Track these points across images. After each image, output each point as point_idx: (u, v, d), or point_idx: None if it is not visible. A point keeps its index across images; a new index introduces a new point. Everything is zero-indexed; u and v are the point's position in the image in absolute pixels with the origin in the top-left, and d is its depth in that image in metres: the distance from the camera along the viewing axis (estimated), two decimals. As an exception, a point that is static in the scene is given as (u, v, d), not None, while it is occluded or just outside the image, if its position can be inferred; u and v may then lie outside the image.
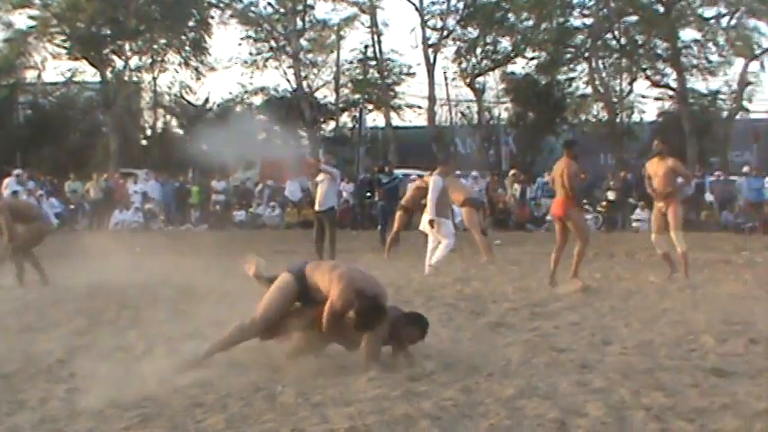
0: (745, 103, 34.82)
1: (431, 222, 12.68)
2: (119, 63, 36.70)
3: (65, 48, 36.01)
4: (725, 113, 35.18)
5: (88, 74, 37.12)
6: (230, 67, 38.88)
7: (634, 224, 24.89)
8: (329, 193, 14.64)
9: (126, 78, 36.84)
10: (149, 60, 37.56)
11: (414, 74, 38.41)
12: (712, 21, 34.58)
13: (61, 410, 5.21)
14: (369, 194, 27.05)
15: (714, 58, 34.99)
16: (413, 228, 16.07)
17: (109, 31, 36.04)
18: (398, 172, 26.02)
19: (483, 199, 22.49)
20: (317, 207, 14.78)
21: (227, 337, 6.26)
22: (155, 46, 37.28)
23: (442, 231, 12.75)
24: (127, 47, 36.60)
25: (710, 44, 34.91)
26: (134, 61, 37.13)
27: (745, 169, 27.07)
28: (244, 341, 6.24)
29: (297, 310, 6.35)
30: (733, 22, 34.10)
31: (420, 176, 18.48)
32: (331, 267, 6.29)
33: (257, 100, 39.27)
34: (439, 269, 12.66)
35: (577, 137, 37.08)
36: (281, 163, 30.07)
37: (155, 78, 38.57)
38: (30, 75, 38.20)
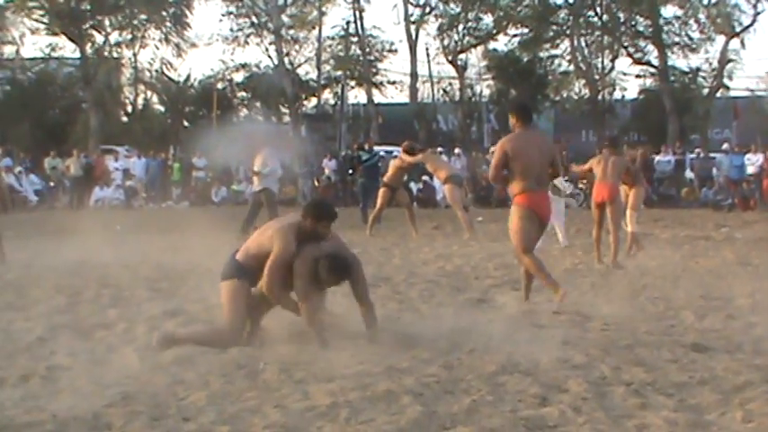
0: (725, 80, 34.95)
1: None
2: (99, 38, 36.41)
3: (43, 23, 35.61)
4: (705, 91, 35.26)
5: (67, 49, 36.84)
6: (211, 44, 38.63)
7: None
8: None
9: (106, 54, 36.50)
10: (129, 36, 37.20)
11: (396, 50, 38.37)
12: (693, -2, 34.66)
13: (42, 388, 5.18)
14: (350, 171, 27.01)
15: (695, 35, 35.19)
16: (395, 205, 16.08)
17: (88, 6, 35.64)
18: (380, 149, 25.94)
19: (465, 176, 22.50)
20: (255, 188, 15.97)
21: (199, 337, 6.18)
22: (135, 21, 36.90)
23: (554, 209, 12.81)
24: (107, 22, 36.25)
25: (692, 21, 35.04)
26: (114, 37, 36.87)
27: (725, 146, 27.20)
28: (219, 347, 6.03)
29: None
30: (714, -1, 34.20)
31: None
32: (262, 231, 6.35)
33: (239, 77, 39.09)
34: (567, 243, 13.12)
35: (559, 114, 37.44)
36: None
37: (135, 54, 38.31)
38: (8, 50, 37.93)
